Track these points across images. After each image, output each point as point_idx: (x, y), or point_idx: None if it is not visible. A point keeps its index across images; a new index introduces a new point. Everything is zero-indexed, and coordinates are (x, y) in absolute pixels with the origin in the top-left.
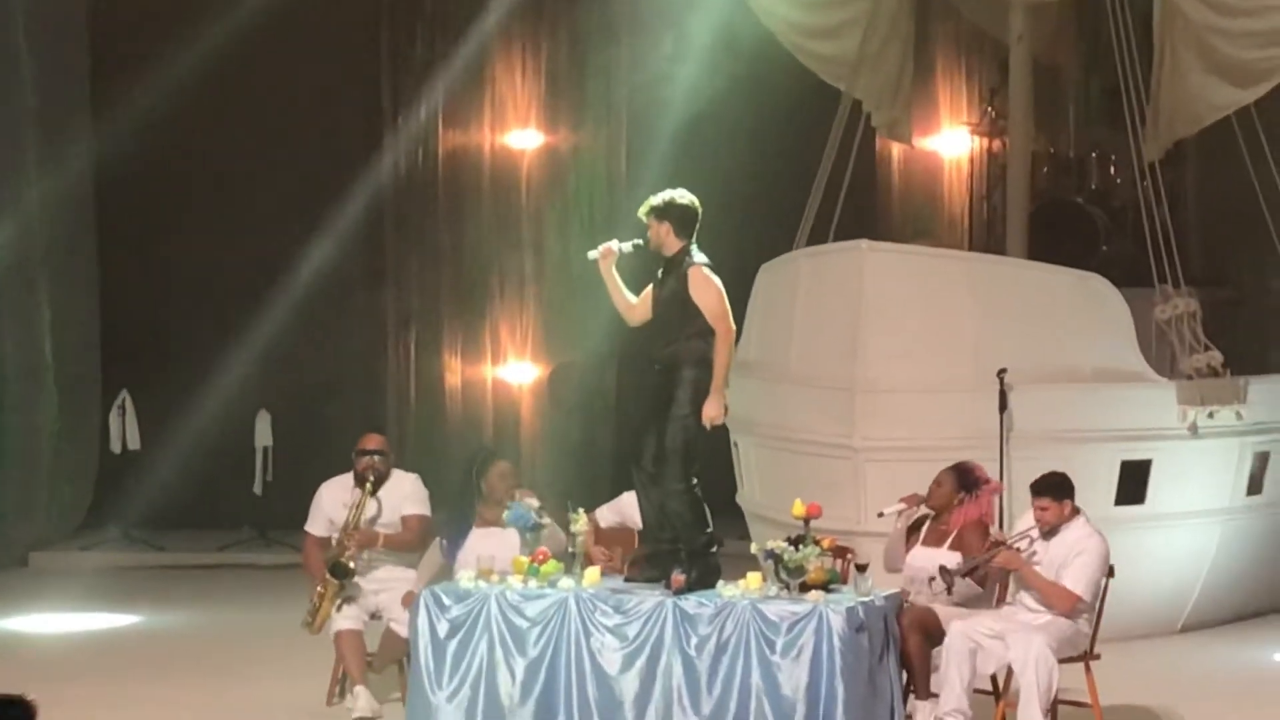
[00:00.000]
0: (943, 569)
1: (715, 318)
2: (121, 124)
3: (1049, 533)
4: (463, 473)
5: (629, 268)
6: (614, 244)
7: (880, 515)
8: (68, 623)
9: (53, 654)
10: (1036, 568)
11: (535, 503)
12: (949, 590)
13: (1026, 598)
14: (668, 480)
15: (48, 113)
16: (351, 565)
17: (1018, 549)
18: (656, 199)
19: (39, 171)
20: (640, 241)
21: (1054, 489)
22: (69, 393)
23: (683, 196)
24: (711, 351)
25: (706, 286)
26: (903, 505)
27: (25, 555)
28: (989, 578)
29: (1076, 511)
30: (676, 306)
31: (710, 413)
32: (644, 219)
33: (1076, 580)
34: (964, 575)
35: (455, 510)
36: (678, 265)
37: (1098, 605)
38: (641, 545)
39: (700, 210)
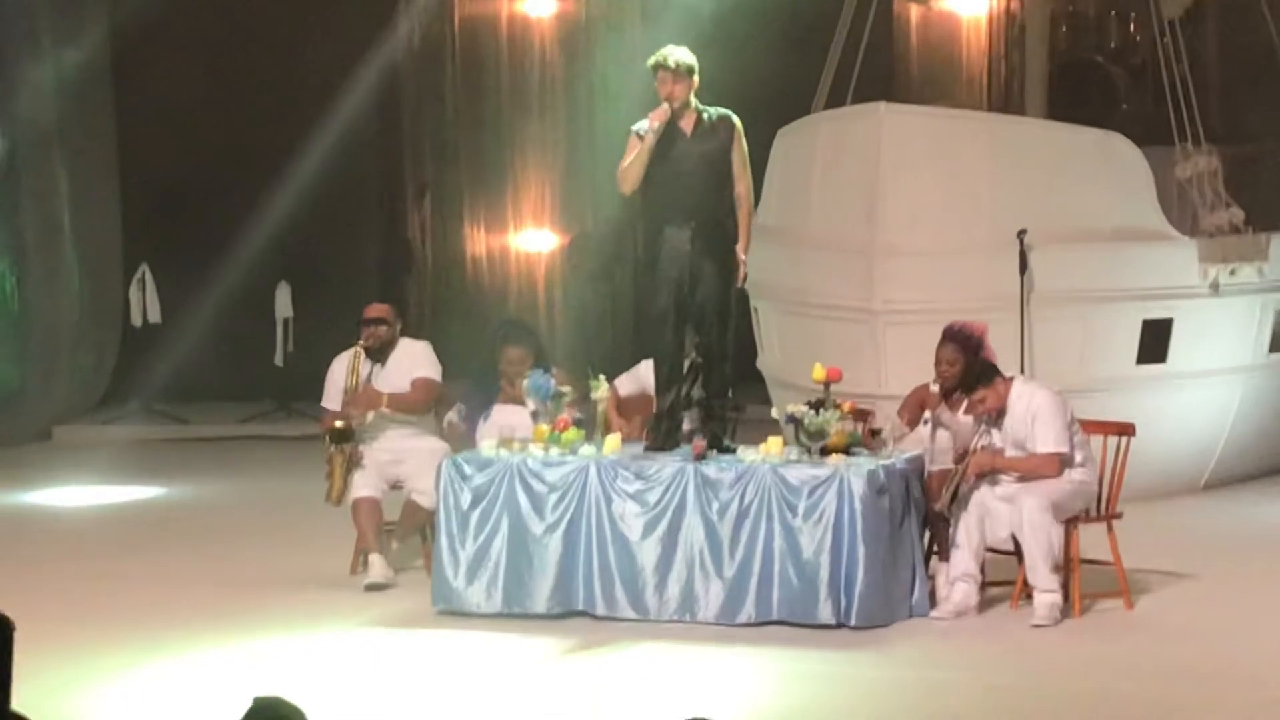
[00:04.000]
0: (935, 513)
1: (746, 175)
2: None
3: (999, 416)
4: (487, 347)
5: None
6: (663, 110)
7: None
8: (91, 496)
9: (76, 527)
10: (1009, 454)
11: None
12: (949, 515)
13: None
14: (719, 336)
15: None
16: (350, 427)
17: (982, 449)
18: (685, 56)
19: (54, 43)
20: (669, 103)
21: (980, 378)
22: (89, 266)
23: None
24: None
25: (743, 143)
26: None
27: (48, 429)
28: (961, 499)
29: (1008, 381)
30: (717, 161)
31: (743, 271)
32: (674, 70)
33: (1046, 440)
34: (950, 503)
35: (479, 380)
36: (710, 123)
37: (1116, 463)
38: (658, 411)
39: None
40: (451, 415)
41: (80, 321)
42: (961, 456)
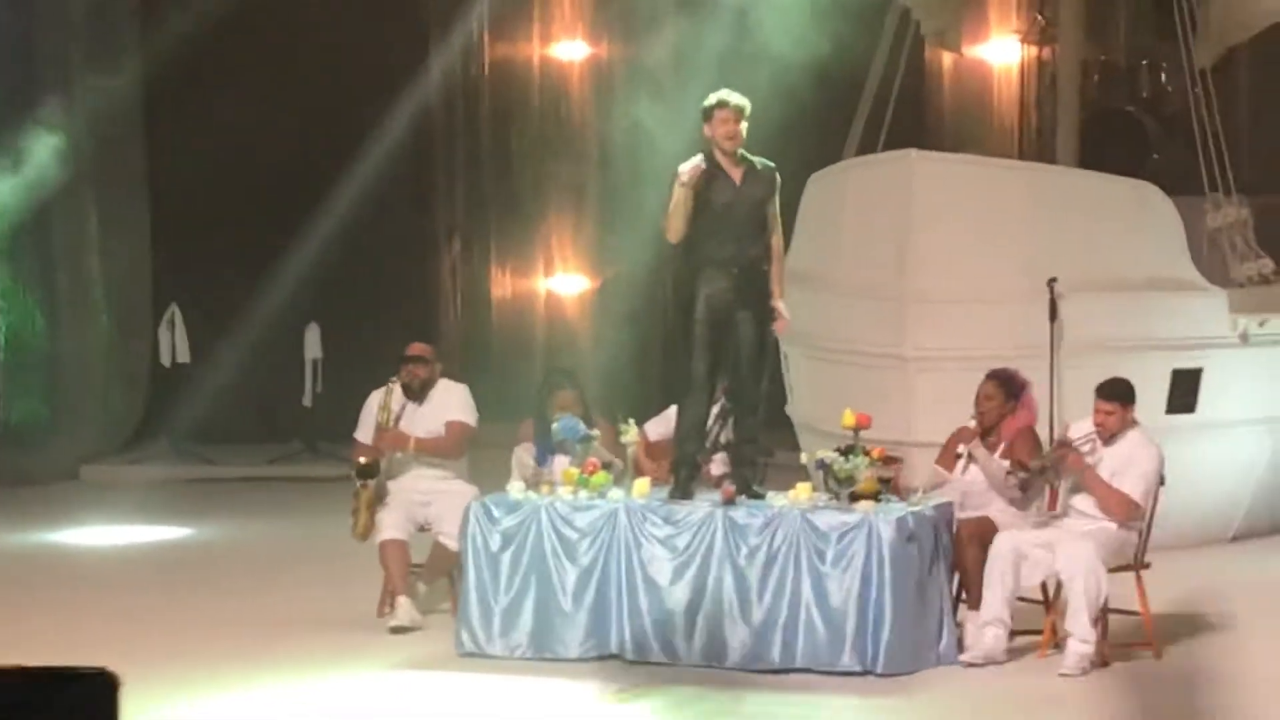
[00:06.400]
0: (1017, 463)
1: (779, 227)
2: (168, 36)
3: (1108, 439)
4: (536, 397)
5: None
6: (699, 159)
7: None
8: (118, 535)
9: (103, 567)
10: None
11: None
12: (1022, 488)
13: (1080, 502)
14: (753, 383)
15: (95, 22)
16: (374, 463)
17: (1082, 452)
18: (739, 98)
19: (86, 83)
20: (729, 142)
21: (1122, 394)
22: (119, 306)
23: None
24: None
25: (777, 197)
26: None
27: (76, 468)
28: (1035, 483)
29: (1134, 420)
30: (760, 210)
31: (783, 321)
32: (733, 111)
33: (1135, 487)
34: (1037, 473)
35: (541, 420)
36: (756, 169)
37: (1149, 515)
38: (676, 459)
39: None
40: (523, 454)
41: (109, 361)
42: (1063, 445)
